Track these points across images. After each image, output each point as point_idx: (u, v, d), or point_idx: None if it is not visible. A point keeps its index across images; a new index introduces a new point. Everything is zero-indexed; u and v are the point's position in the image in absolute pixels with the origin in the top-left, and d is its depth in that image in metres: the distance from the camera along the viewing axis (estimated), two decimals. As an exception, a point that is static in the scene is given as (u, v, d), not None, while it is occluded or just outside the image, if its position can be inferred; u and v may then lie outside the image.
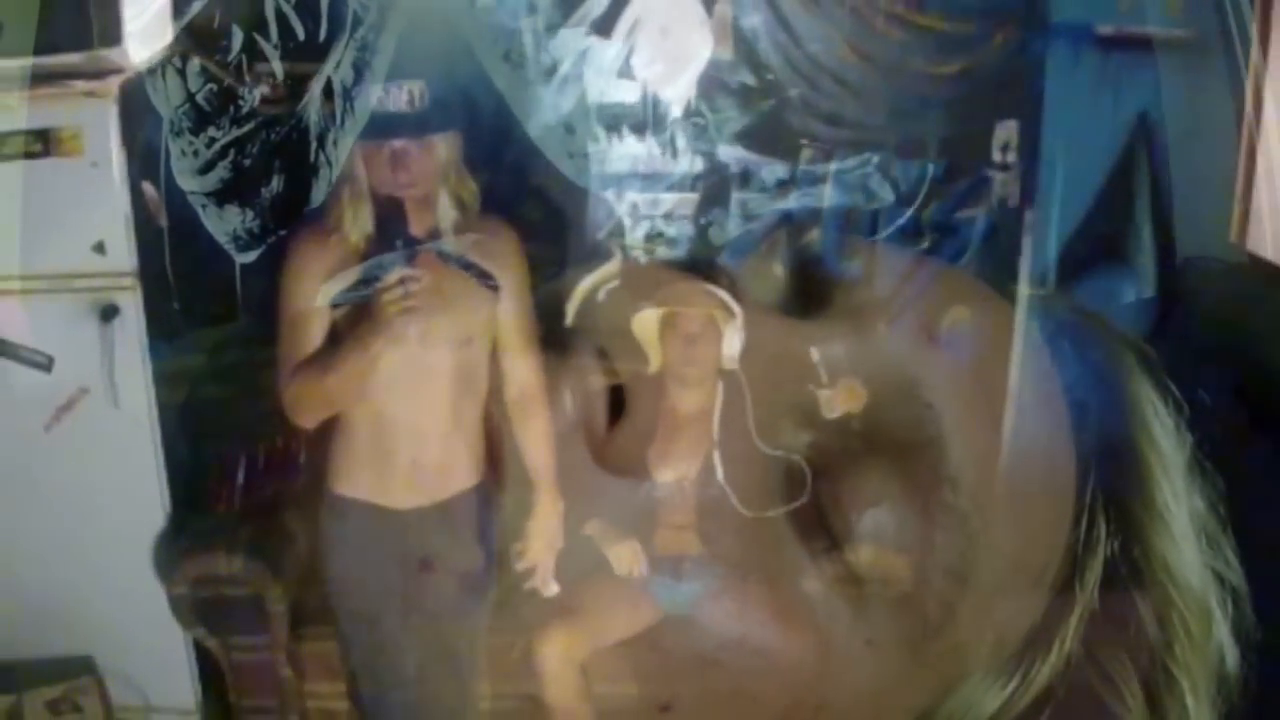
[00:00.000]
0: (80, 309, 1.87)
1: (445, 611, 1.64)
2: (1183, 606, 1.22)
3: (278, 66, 1.84)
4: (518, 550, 1.63)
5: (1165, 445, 1.27)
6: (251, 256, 1.96)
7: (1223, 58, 1.81)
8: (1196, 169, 1.89)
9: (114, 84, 1.83)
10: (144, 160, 1.89)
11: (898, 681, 1.30)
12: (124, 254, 1.87)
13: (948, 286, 1.40)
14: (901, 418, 1.25)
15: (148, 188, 1.90)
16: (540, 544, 1.63)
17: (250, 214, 1.93)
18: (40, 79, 1.82)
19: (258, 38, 1.83)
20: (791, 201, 1.83)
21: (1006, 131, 1.88)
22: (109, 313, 1.87)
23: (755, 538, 1.50)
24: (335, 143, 1.86)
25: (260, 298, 1.87)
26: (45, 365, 1.89)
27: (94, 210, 1.85)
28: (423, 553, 1.62)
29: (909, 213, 1.85)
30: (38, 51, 1.81)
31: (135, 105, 1.85)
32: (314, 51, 1.84)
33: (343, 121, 1.84)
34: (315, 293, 1.50)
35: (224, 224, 1.94)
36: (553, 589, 1.64)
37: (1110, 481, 1.25)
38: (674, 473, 1.61)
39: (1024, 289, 1.34)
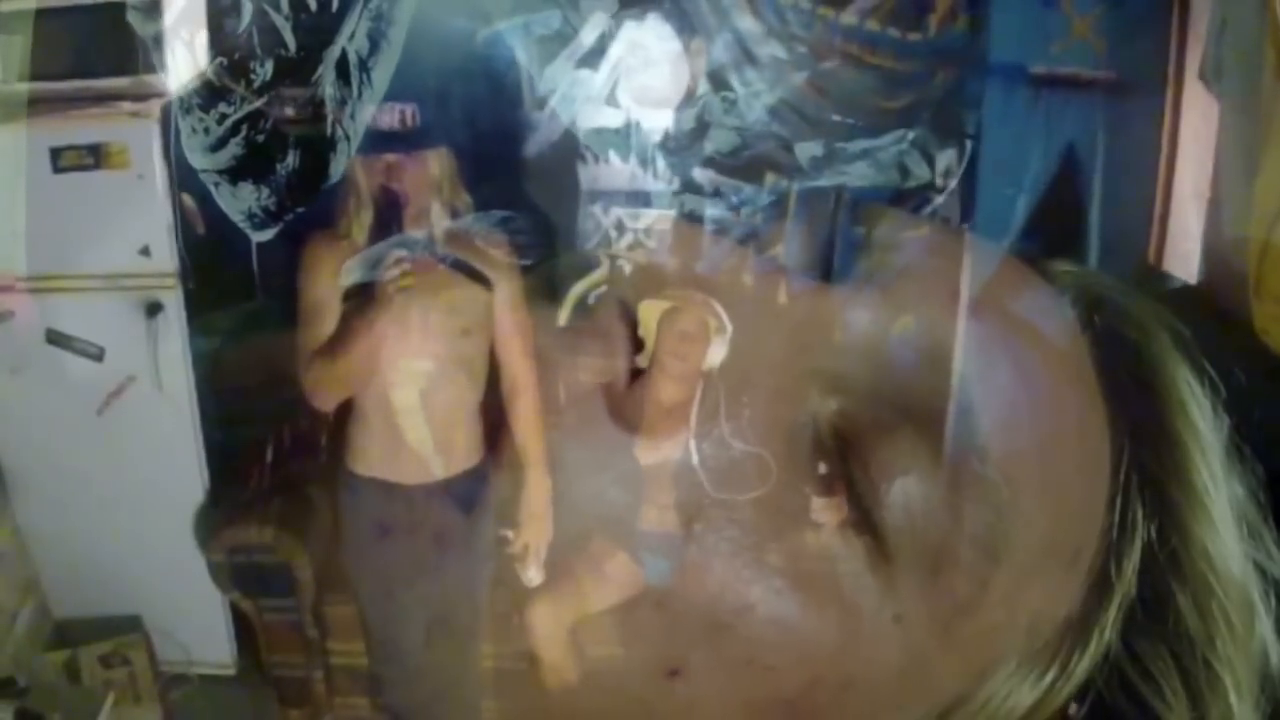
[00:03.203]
0: (128, 305, 2.02)
1: (448, 578, 1.80)
2: (1224, 597, 1.21)
3: (289, 38, 1.88)
4: (511, 534, 1.75)
5: (1203, 427, 1.29)
6: (268, 235, 2.00)
7: (1143, 96, 1.96)
8: (1119, 196, 1.98)
9: (156, 106, 1.96)
10: (182, 173, 1.99)
11: (928, 662, 1.33)
12: (167, 257, 2.00)
13: (978, 258, 1.41)
14: (930, 386, 1.25)
15: (186, 198, 2.01)
16: (530, 519, 1.75)
17: (265, 191, 1.97)
18: (92, 100, 1.96)
19: (268, 9, 1.87)
20: (758, 219, 1.92)
21: (947, 158, 2.00)
22: (154, 309, 2.02)
23: (739, 516, 1.56)
24: (353, 115, 1.90)
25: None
26: (97, 355, 2.05)
27: (140, 218, 1.98)
28: (428, 525, 1.78)
29: (859, 230, 1.94)
30: (90, 76, 1.95)
31: (174, 125, 1.97)
32: (327, 23, 1.87)
33: (360, 93, 1.88)
34: (329, 288, 1.64)
35: (238, 202, 1.99)
36: (537, 579, 1.75)
37: (1146, 463, 1.28)
38: (657, 457, 1.73)
39: (965, 295, 1.42)
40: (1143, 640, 1.03)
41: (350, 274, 1.63)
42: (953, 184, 1.98)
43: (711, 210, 1.94)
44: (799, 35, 1.90)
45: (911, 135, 1.99)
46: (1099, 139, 1.98)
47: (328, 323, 1.67)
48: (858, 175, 1.98)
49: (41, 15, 1.94)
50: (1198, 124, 1.85)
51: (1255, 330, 1.61)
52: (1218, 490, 1.01)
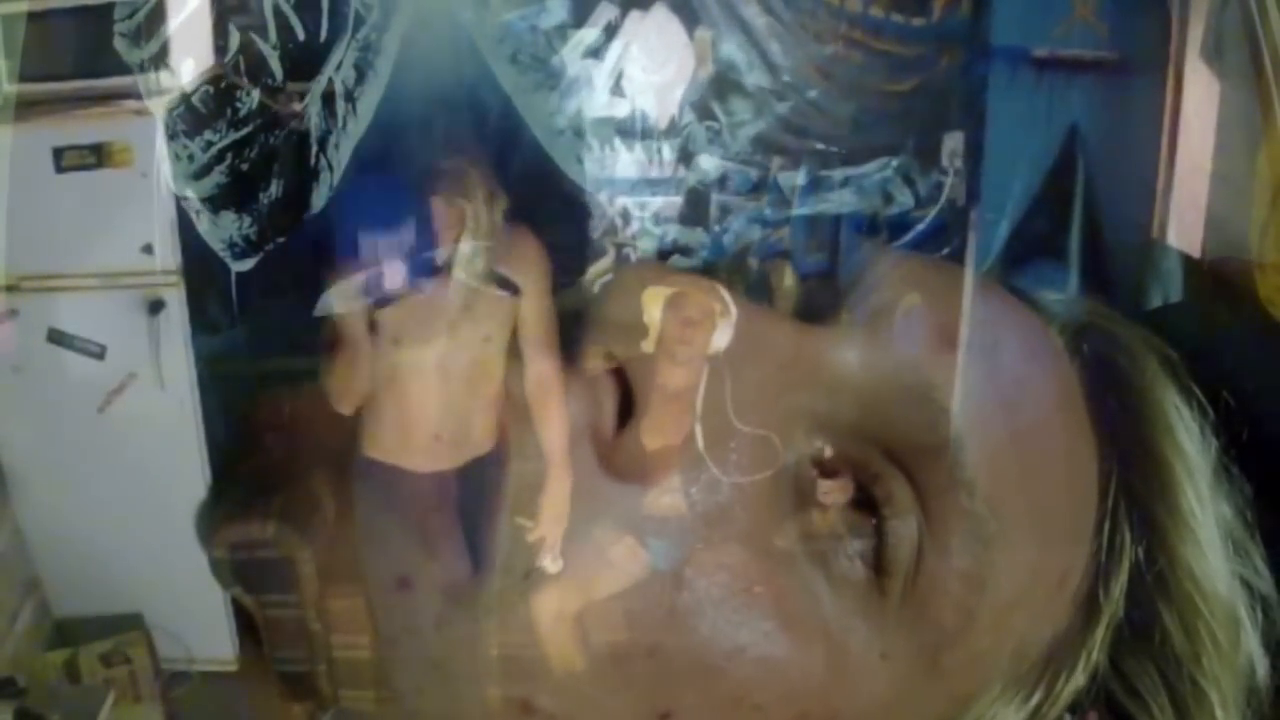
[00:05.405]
0: (130, 303, 2.00)
1: (458, 564, 1.76)
2: (1210, 615, 1.19)
3: (276, 67, 1.85)
4: (528, 524, 1.72)
5: (1190, 449, 1.24)
6: (248, 264, 1.97)
7: (1146, 75, 1.99)
8: (1122, 174, 2.03)
9: (160, 104, 1.92)
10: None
11: (913, 692, 1.26)
12: (169, 255, 1.98)
13: (966, 292, 1.38)
14: (917, 422, 1.22)
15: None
16: (550, 514, 1.72)
17: (247, 220, 1.94)
18: (94, 99, 1.94)
19: (255, 37, 1.85)
20: (764, 204, 1.96)
21: (954, 141, 2.02)
22: (156, 307, 2.00)
23: (740, 502, 1.53)
24: (337, 146, 1.87)
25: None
26: (98, 353, 2.02)
27: (143, 215, 1.96)
28: (440, 510, 1.77)
29: (869, 214, 1.99)
30: (94, 75, 1.93)
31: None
32: (314, 52, 1.85)
33: (345, 124, 1.85)
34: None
35: (220, 231, 1.96)
36: (557, 565, 1.73)
37: (1134, 487, 1.23)
38: (661, 442, 1.67)
39: (970, 280, 1.38)
40: (1130, 659, 1.04)
41: (334, 299, 1.61)
42: (958, 165, 2.00)
43: (717, 197, 1.97)
44: (798, 30, 1.93)
45: (895, 163, 2.01)
46: (1102, 118, 2.01)
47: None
48: (840, 203, 1.99)
49: (41, 16, 1.93)
50: (1200, 100, 1.87)
51: (1259, 300, 1.63)
52: (1204, 512, 1.08)
